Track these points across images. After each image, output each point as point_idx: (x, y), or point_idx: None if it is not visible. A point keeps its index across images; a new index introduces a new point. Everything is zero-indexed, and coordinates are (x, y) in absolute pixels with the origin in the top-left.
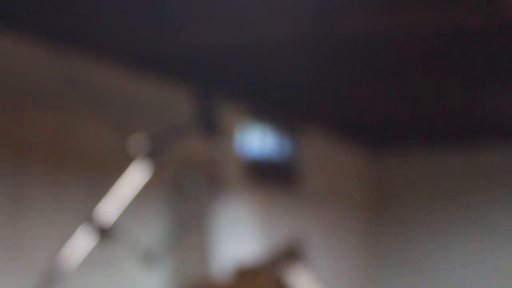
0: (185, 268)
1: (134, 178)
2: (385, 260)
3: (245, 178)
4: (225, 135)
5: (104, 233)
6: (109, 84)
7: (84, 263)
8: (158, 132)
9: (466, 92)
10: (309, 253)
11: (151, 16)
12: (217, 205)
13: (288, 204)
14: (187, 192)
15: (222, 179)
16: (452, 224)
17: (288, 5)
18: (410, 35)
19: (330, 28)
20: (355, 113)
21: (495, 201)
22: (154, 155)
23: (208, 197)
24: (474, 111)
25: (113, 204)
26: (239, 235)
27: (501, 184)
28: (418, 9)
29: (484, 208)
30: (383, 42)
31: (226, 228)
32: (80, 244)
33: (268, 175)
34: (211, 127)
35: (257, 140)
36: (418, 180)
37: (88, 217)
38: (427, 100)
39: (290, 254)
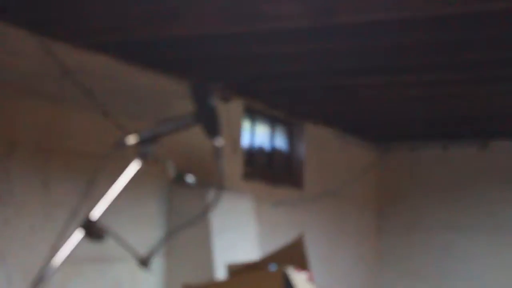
0: (182, 266)
1: (129, 173)
2: (391, 258)
3: (244, 174)
4: (224, 130)
5: (98, 231)
6: (105, 77)
7: (78, 262)
8: (155, 126)
9: (473, 86)
10: (310, 250)
11: (148, 7)
12: (215, 202)
13: (289, 202)
14: (185, 188)
15: (221, 175)
16: (460, 221)
17: None
18: (417, 23)
19: (334, 20)
20: (359, 108)
21: (503, 196)
22: (151, 150)
23: (206, 193)
24: (481, 104)
25: (108, 201)
26: (238, 233)
27: (510, 178)
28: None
29: (492, 204)
30: (387, 34)
31: (225, 225)
32: (72, 242)
33: (268, 172)
34: (210, 122)
35: (258, 136)
36: (424, 176)
37: (80, 214)
38: (433, 94)
39: (291, 252)
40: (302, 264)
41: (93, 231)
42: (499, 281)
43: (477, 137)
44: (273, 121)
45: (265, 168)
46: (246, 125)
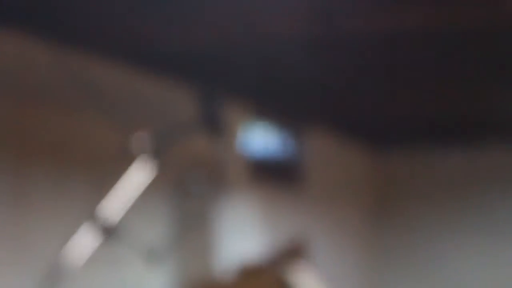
0: (189, 266)
1: (138, 176)
2: (389, 259)
3: (248, 177)
4: (228, 134)
5: (108, 231)
6: (112, 83)
7: (88, 262)
8: (161, 130)
9: (470, 91)
10: (312, 252)
11: (154, 13)
12: (220, 203)
13: (291, 203)
14: (191, 191)
15: (225, 177)
16: (457, 224)
17: (292, 3)
18: (414, 33)
19: (334, 26)
20: (358, 112)
21: (501, 199)
22: (157, 153)
23: (212, 195)
24: (478, 109)
25: (117, 202)
26: (242, 234)
27: (506, 182)
28: (421, 7)
29: (490, 206)
30: (387, 40)
31: (230, 226)
32: (84, 242)
33: (271, 174)
34: (215, 126)
35: (260, 139)
36: (423, 179)
37: (91, 216)
38: (431, 99)
39: (293, 253)
40: (303, 264)
41: (104, 231)
42: (496, 282)
43: (474, 141)
44: (276, 125)
45: (268, 171)
46: (250, 129)
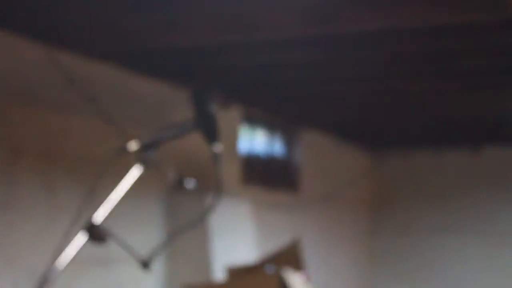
0: (182, 268)
1: (130, 178)
2: (384, 260)
3: (242, 179)
4: (223, 136)
5: (101, 234)
6: (108, 85)
7: (81, 264)
8: (155, 132)
9: (467, 91)
10: (306, 254)
11: (150, 17)
12: (214, 206)
13: (286, 206)
14: (184, 193)
15: (219, 180)
16: (452, 224)
17: (286, 3)
18: (411, 32)
19: (330, 29)
20: (354, 113)
21: (496, 201)
22: (151, 155)
23: (205, 198)
24: (475, 110)
25: (109, 204)
26: (236, 236)
27: (502, 183)
28: (420, 6)
29: (485, 208)
30: (381, 44)
31: (223, 229)
32: (76, 245)
33: (266, 177)
34: (210, 128)
35: (255, 141)
36: (417, 181)
37: (83, 218)
38: (428, 100)
39: (287, 255)
40: (298, 266)
41: (95, 234)
42: (489, 283)
43: (469, 143)
44: (271, 127)
45: (263, 173)
46: (244, 131)
